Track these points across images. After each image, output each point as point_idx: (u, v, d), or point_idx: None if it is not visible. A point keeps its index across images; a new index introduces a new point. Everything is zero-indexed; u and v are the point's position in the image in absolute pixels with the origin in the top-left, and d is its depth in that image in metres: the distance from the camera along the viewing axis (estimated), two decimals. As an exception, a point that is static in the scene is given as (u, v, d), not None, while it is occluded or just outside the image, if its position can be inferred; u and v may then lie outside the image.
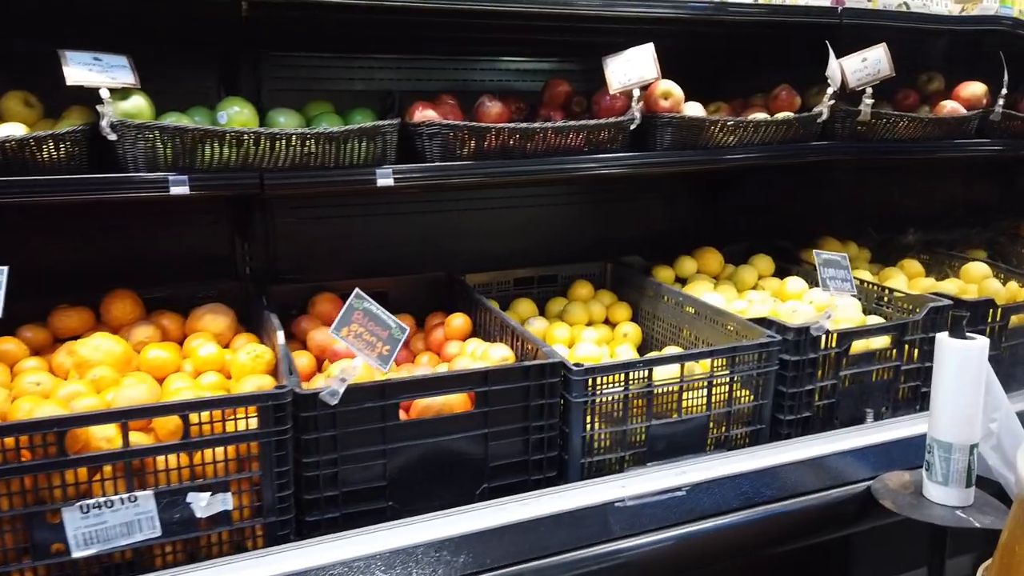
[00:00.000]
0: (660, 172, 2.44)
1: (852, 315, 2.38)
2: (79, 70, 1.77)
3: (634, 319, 2.64)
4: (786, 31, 2.67)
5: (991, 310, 2.28)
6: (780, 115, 2.56)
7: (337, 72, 2.68)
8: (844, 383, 2.14)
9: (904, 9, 2.73)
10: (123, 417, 1.43)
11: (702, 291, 2.56)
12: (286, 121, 2.10)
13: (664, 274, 2.79)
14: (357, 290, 1.66)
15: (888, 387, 2.22)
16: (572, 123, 2.23)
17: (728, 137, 2.46)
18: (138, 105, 1.86)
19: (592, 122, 2.25)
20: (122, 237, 2.46)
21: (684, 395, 1.95)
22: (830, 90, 2.54)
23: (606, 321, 2.65)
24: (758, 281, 2.79)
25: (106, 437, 1.46)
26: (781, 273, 2.84)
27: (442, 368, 2.14)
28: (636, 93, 2.29)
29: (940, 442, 1.73)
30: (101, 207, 2.24)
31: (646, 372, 1.87)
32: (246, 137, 1.86)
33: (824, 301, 2.49)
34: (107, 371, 1.66)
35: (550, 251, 3.03)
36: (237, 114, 1.99)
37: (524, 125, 2.17)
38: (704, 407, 1.96)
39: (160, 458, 1.48)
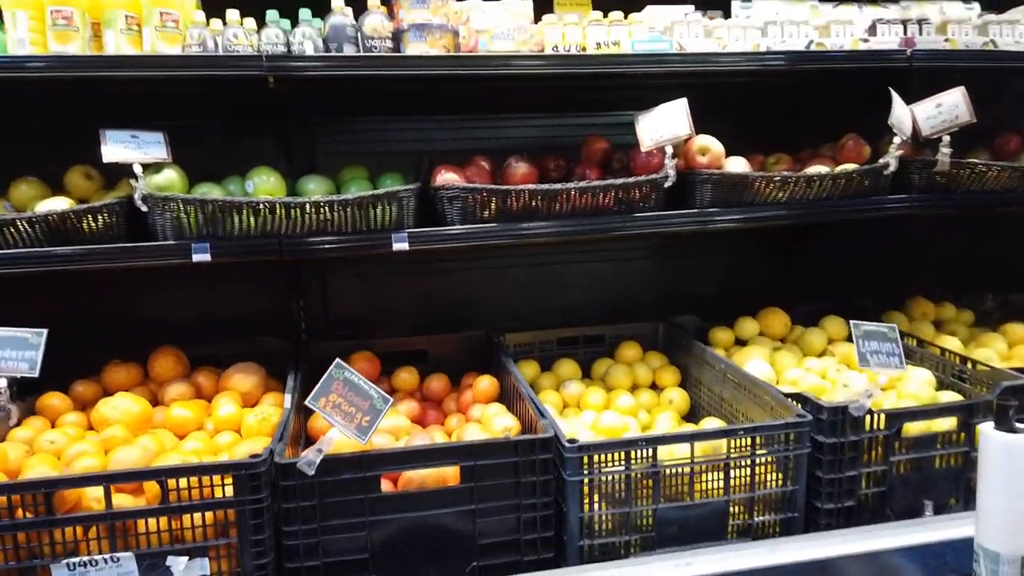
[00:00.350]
0: (702, 231, 2.30)
1: (919, 391, 2.12)
2: (116, 148, 1.92)
3: (684, 385, 2.49)
4: (854, 77, 2.48)
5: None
6: (842, 167, 2.37)
7: (389, 134, 2.76)
8: (898, 469, 1.91)
9: (991, 48, 2.46)
10: (105, 480, 1.50)
11: (753, 357, 2.38)
12: (315, 188, 2.17)
13: (721, 336, 2.63)
14: (338, 360, 1.67)
15: (956, 476, 1.95)
16: (596, 183, 2.17)
17: (777, 193, 2.30)
18: (169, 178, 1.99)
19: (619, 181, 2.18)
20: (187, 295, 2.63)
21: (701, 476, 1.81)
22: (897, 140, 2.32)
23: (653, 386, 2.52)
24: (828, 346, 2.56)
25: (96, 498, 1.53)
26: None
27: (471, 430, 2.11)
28: (669, 150, 2.20)
29: (987, 551, 1.49)
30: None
31: (650, 451, 1.74)
32: (262, 206, 1.94)
33: (894, 374, 2.25)
34: (119, 431, 1.76)
35: (605, 309, 2.95)
36: (264, 182, 2.09)
37: (546, 187, 2.13)
38: (722, 490, 1.80)
39: (142, 521, 1.53)
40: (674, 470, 1.77)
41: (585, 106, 2.85)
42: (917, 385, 2.14)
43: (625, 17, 2.27)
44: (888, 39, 2.41)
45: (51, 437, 1.74)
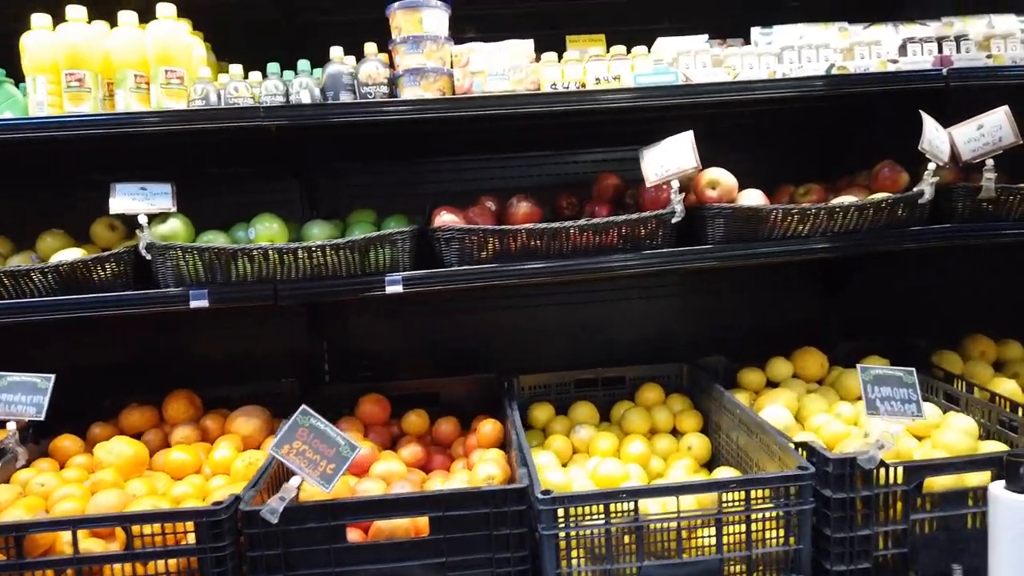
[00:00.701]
0: (717, 268, 2.19)
1: (956, 441, 1.91)
2: (123, 200, 2.01)
3: (706, 431, 2.35)
4: (889, 101, 2.32)
5: None
6: (871, 197, 2.20)
7: (414, 176, 2.79)
8: (921, 529, 1.71)
9: (1048, 60, 2.25)
10: (72, 525, 1.54)
11: (777, 400, 2.22)
12: (319, 232, 2.20)
13: (751, 378, 2.48)
14: (304, 407, 1.66)
15: (994, 537, 1.73)
16: (597, 220, 2.10)
17: (798, 226, 2.16)
18: (173, 227, 2.07)
19: (621, 218, 2.11)
20: (216, 337, 2.71)
21: (696, 532, 1.68)
22: (931, 165, 2.14)
23: (675, 431, 2.39)
24: (867, 389, 2.36)
25: (68, 542, 1.57)
26: (901, 379, 2.38)
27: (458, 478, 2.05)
28: (675, 184, 2.11)
29: (1001, 628, 1.31)
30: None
31: (631, 505, 1.64)
32: (256, 253, 1.98)
33: (929, 421, 2.05)
34: (109, 474, 1.81)
35: (638, 348, 2.84)
36: (266, 229, 2.13)
37: (543, 226, 2.08)
38: (714, 548, 1.66)
39: (108, 567, 1.55)
40: (661, 524, 1.65)
41: (606, 141, 2.79)
42: (955, 434, 1.93)
43: (628, 50, 2.21)
44: (920, 59, 2.24)
45: (42, 480, 1.81)
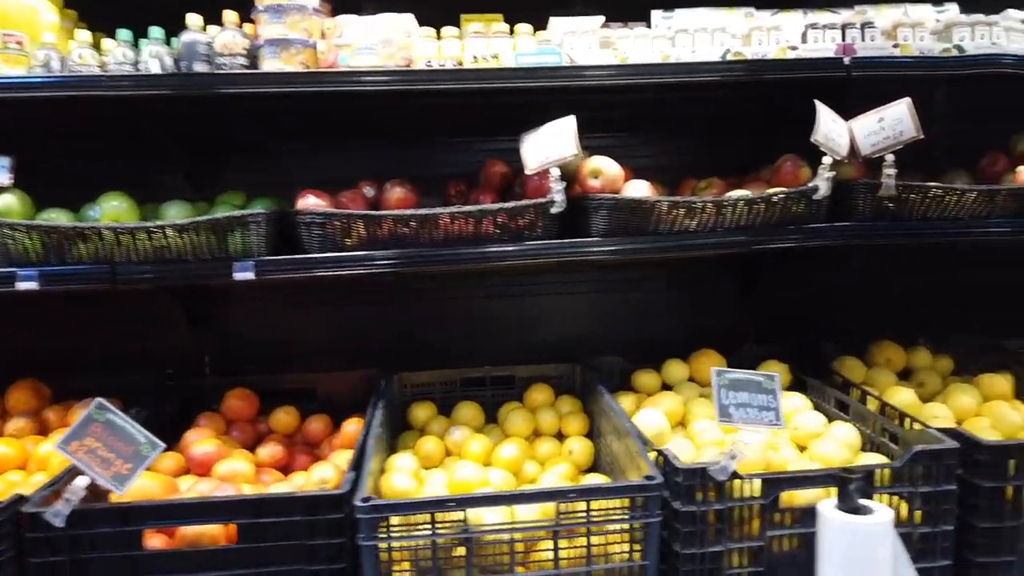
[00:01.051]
0: (602, 260, 2.05)
1: (833, 453, 1.79)
2: (-49, 172, 1.85)
3: (592, 435, 2.22)
4: (793, 90, 2.19)
5: (1012, 460, 1.59)
6: (768, 191, 2.08)
7: (312, 161, 2.62)
8: (779, 546, 1.59)
9: (954, 54, 2.13)
10: None
11: (658, 404, 2.10)
12: (175, 213, 2.05)
13: (645, 381, 2.35)
14: (99, 400, 1.52)
15: (861, 556, 1.61)
16: (469, 208, 1.97)
17: (687, 220, 2.03)
18: (7, 203, 1.91)
19: (495, 206, 1.97)
20: (96, 325, 2.54)
21: (535, 544, 1.55)
22: (827, 159, 2.02)
23: (562, 434, 2.26)
24: (763, 394, 2.24)
25: None
26: (800, 387, 2.27)
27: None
28: (555, 172, 1.97)
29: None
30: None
31: (461, 514, 1.50)
32: (89, 232, 1.83)
33: (812, 431, 1.93)
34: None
35: (543, 347, 2.69)
36: (112, 208, 1.98)
37: (411, 212, 1.95)
38: (552, 563, 1.53)
39: None
40: (495, 536, 1.52)
41: (514, 129, 2.64)
42: (833, 445, 1.81)
43: (510, 30, 2.08)
44: (821, 46, 2.12)
45: None
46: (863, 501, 1.18)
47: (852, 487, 1.17)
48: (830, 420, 2.00)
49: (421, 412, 2.30)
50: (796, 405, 2.04)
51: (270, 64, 1.96)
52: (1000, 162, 2.35)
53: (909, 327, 2.55)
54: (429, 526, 1.50)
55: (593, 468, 2.14)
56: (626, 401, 2.23)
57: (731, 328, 2.70)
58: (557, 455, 2.15)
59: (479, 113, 2.38)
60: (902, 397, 2.06)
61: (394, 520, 1.49)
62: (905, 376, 2.36)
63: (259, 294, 2.64)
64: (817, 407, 2.11)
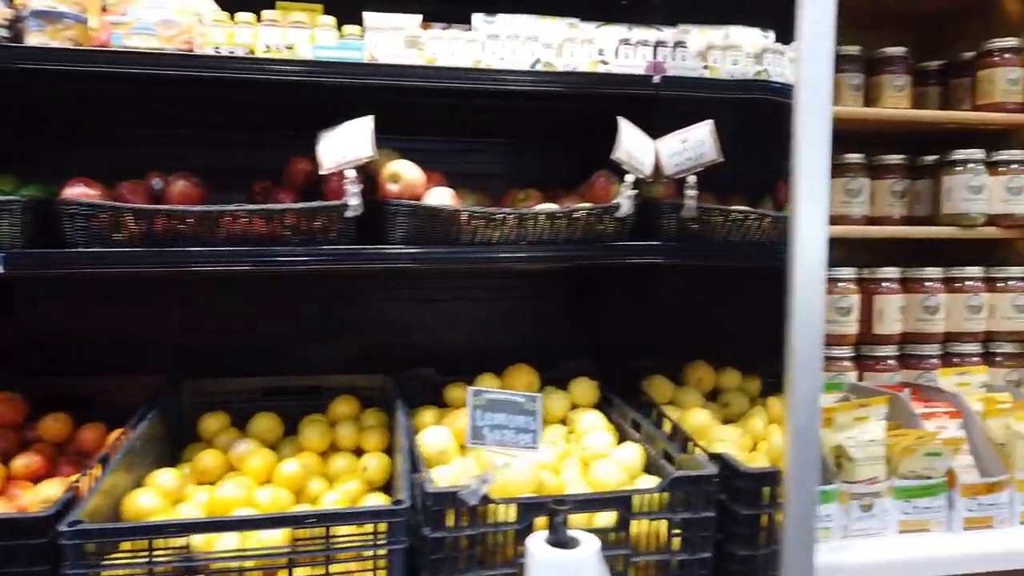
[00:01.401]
0: (403, 269, 1.96)
1: (607, 476, 1.75)
2: None
3: (390, 451, 2.12)
4: (604, 104, 2.16)
5: (765, 488, 1.59)
6: (571, 206, 2.04)
7: (146, 150, 2.41)
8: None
9: (763, 77, 2.15)
10: None
11: (455, 422, 2.03)
12: (-74, 198, 1.84)
13: (456, 395, 2.27)
14: None
15: (620, 584, 1.58)
16: (253, 207, 1.85)
17: (489, 231, 1.97)
18: None
19: (280, 207, 1.86)
20: None
21: (274, 573, 1.44)
22: (629, 177, 2.00)
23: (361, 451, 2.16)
24: (569, 413, 2.20)
25: None
26: (608, 405, 2.24)
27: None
28: (351, 174, 1.87)
29: None
30: None
31: (184, 541, 1.38)
32: None
33: (598, 452, 1.90)
34: None
35: (351, 357, 2.58)
36: None
37: (187, 208, 1.82)
38: (288, 594, 1.43)
39: None
40: (222, 565, 1.40)
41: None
42: (610, 468, 1.78)
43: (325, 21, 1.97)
44: (632, 62, 2.11)
45: None
46: (572, 533, 1.14)
47: (558, 519, 1.13)
48: (621, 441, 1.97)
49: (212, 423, 2.15)
50: (591, 424, 2.01)
51: (35, 39, 1.78)
52: (782, 189, 2.38)
53: (727, 348, 2.57)
54: (147, 554, 1.37)
55: (388, 487, 2.05)
56: (428, 416, 2.15)
57: (561, 344, 2.66)
58: (352, 472, 2.05)
59: (295, 108, 2.25)
60: (696, 419, 2.07)
61: (124, 546, 1.35)
62: (713, 397, 2.37)
63: (50, 291, 2.44)
64: (618, 427, 2.09)
